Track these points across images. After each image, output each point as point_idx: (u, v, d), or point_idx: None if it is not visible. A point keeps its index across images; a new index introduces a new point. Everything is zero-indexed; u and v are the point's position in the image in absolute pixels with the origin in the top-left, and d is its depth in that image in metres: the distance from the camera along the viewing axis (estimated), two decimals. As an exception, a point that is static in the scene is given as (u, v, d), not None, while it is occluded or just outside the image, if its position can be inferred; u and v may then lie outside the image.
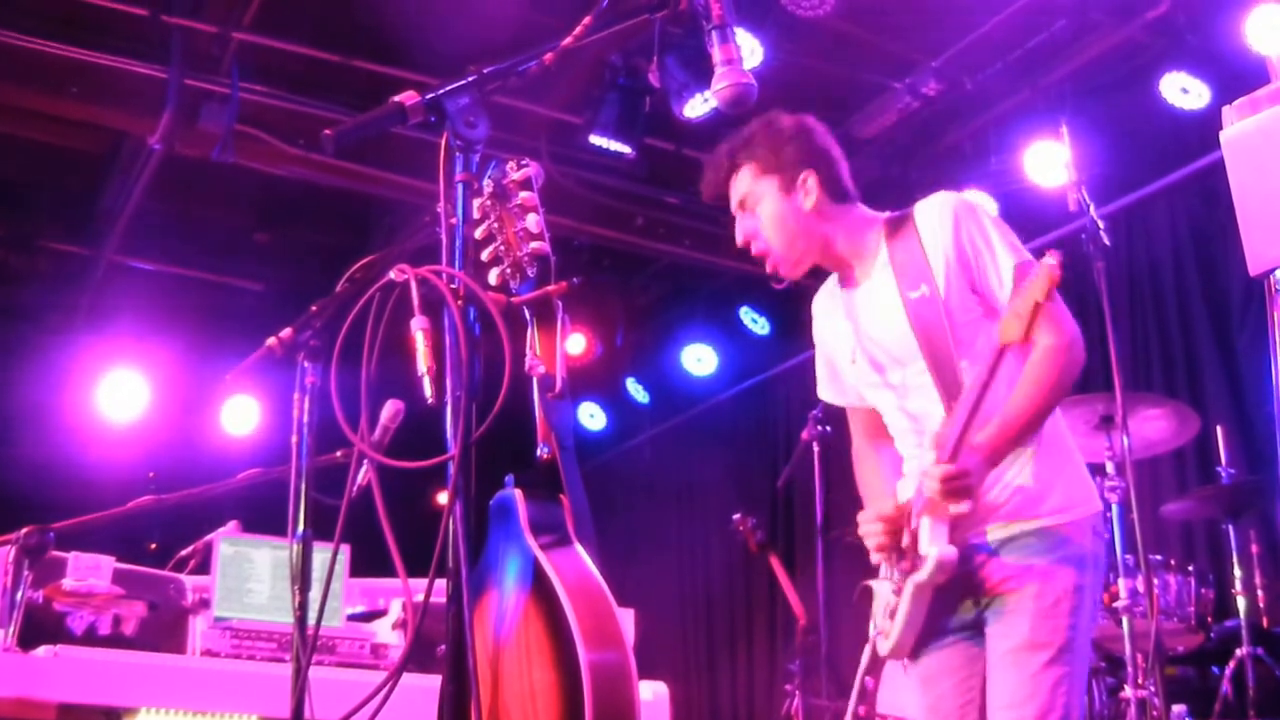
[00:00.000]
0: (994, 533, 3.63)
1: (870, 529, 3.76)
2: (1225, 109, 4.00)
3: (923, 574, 3.57)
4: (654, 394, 12.47)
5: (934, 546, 3.56)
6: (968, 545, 3.61)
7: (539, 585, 2.85)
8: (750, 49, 7.28)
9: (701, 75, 7.59)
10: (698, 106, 7.77)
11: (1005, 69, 8.01)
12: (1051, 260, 3.34)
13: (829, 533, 7.05)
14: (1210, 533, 7.28)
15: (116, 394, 10.25)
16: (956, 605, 3.69)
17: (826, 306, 4.04)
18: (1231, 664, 6.13)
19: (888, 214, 3.89)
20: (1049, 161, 7.77)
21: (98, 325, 10.15)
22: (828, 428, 6.99)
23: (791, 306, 10.71)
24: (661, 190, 9.39)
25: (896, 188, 9.07)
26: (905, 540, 3.69)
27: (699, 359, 11.60)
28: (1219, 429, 6.54)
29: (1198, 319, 7.72)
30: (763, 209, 3.82)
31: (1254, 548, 6.37)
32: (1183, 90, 7.58)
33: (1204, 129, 7.64)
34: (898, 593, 3.69)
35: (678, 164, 9.01)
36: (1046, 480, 3.66)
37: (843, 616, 9.28)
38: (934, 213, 3.72)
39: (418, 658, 4.95)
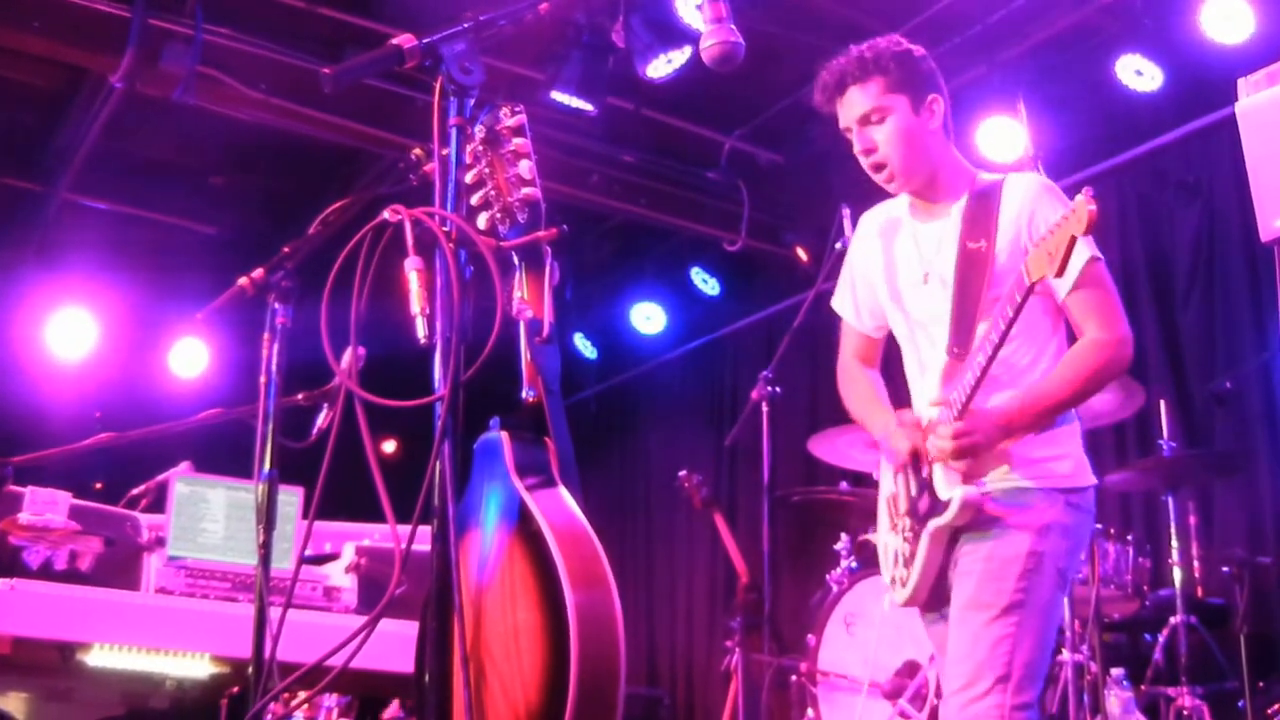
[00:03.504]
0: (984, 484, 3.77)
1: (899, 434, 3.90)
2: (1240, 81, 4.13)
3: (946, 517, 3.71)
4: (602, 350, 12.52)
5: (957, 489, 3.69)
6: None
7: (524, 526, 2.88)
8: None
9: (665, 37, 7.63)
10: (660, 67, 7.79)
11: (964, 44, 8.06)
12: (1087, 199, 3.40)
13: (775, 492, 7.12)
14: (1148, 504, 7.41)
15: (65, 332, 10.18)
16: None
17: (882, 228, 4.17)
18: (1165, 632, 6.27)
19: (982, 173, 4.03)
20: (1004, 137, 7.87)
21: (49, 263, 10.06)
22: (777, 388, 7.05)
23: (742, 268, 10.78)
24: (619, 149, 9.42)
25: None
26: (913, 488, 3.85)
27: (648, 317, 11.66)
28: (1162, 403, 6.65)
29: (1143, 296, 7.82)
30: (891, 123, 3.92)
31: (1192, 519, 6.50)
32: (1137, 72, 7.68)
33: (1156, 110, 7.77)
34: (912, 540, 3.82)
35: (636, 123, 9.04)
36: (1035, 445, 3.79)
37: (785, 575, 9.42)
38: (1021, 185, 3.87)
39: (369, 601, 5.02)
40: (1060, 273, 3.49)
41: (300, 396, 4.33)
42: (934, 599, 3.89)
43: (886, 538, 4.01)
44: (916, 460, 3.86)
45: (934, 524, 3.75)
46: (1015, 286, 3.62)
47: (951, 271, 3.86)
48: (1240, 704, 6.02)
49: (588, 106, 8.09)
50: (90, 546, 4.65)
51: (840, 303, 4.33)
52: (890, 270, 4.08)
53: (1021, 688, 3.57)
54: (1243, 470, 6.90)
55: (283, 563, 4.98)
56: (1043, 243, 3.53)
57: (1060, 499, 3.76)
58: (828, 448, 7.71)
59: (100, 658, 4.39)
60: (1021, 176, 3.94)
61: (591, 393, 12.79)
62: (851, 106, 3.97)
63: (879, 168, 3.97)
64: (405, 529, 2.86)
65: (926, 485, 3.81)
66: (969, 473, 3.73)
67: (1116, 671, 6.06)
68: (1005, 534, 3.70)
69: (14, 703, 4.78)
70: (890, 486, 4.02)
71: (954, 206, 3.95)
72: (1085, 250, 3.74)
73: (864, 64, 3.95)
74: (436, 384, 2.81)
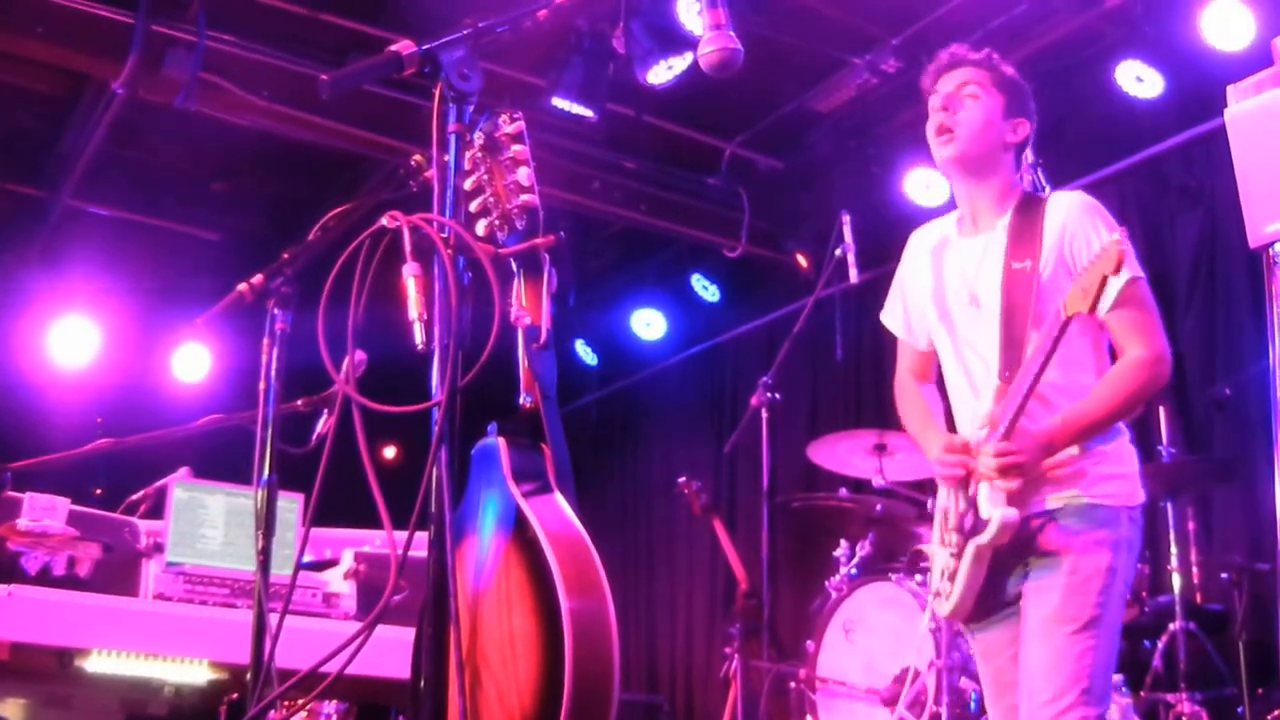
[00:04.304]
0: (1049, 502, 3.83)
1: (949, 459, 3.94)
2: (1230, 88, 4.14)
3: (986, 536, 3.76)
4: (602, 356, 12.52)
5: (996, 510, 3.74)
6: (1026, 513, 3.80)
7: (520, 532, 2.89)
8: (715, 19, 7.29)
9: (666, 43, 7.64)
10: (661, 73, 7.80)
11: (965, 49, 8.06)
12: (1119, 241, 3.54)
13: (774, 498, 7.12)
14: (1147, 510, 7.38)
15: (68, 339, 10.20)
16: (1011, 570, 3.86)
17: (931, 246, 4.27)
18: (1164, 638, 6.27)
19: (1028, 191, 4.15)
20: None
21: (51, 269, 10.07)
22: (777, 395, 7.05)
23: (742, 274, 10.78)
24: (619, 155, 9.43)
25: (852, 162, 9.16)
26: (961, 505, 3.89)
27: (648, 324, 11.67)
28: (1161, 409, 6.66)
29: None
30: (980, 105, 4.08)
31: (1191, 525, 6.51)
32: (1137, 79, 7.69)
33: (1157, 117, 7.77)
34: (957, 556, 3.87)
35: (636, 130, 9.04)
36: (1103, 462, 3.86)
37: (784, 581, 9.41)
38: (1063, 204, 3.97)
39: (368, 607, 5.01)
40: (1093, 310, 3.60)
41: (300, 402, 4.33)
42: (979, 611, 3.95)
43: (936, 549, 4.07)
44: (966, 480, 3.93)
45: (975, 542, 3.80)
46: (1053, 320, 3.71)
47: (996, 293, 3.95)
48: (1239, 710, 6.03)
49: (588, 113, 8.09)
50: (89, 552, 4.63)
51: (890, 317, 4.45)
52: (939, 291, 4.17)
53: (1101, 699, 3.67)
54: (1242, 477, 6.88)
55: (283, 569, 4.97)
56: (1079, 279, 3.63)
57: (1125, 515, 3.86)
58: (827, 454, 7.72)
59: (99, 664, 4.38)
60: (1064, 195, 4.03)
61: (592, 399, 12.80)
62: (954, 77, 4.13)
63: (944, 130, 4.09)
64: (403, 535, 2.87)
65: (972, 503, 3.87)
66: (1015, 494, 3.77)
67: (1115, 678, 6.05)
68: (1086, 550, 3.77)
69: (12, 709, 4.77)
70: (944, 501, 4.07)
71: (999, 222, 4.05)
72: (1126, 270, 3.82)
73: (984, 59, 4.15)
74: (434, 390, 2.82)
